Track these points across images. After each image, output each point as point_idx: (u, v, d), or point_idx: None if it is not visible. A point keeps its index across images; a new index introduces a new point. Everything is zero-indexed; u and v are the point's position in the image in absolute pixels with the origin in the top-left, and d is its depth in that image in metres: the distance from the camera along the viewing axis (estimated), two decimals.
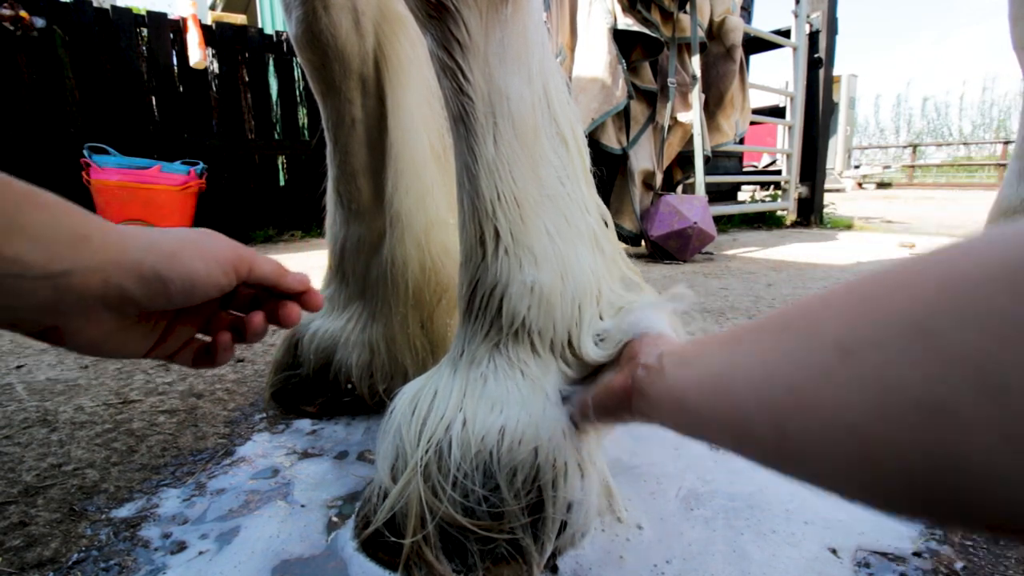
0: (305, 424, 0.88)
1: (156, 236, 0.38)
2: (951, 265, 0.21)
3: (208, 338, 0.47)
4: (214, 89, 3.84)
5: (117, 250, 0.35)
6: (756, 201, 5.14)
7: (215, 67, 3.84)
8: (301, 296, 0.46)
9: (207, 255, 0.39)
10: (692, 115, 2.90)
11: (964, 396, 0.19)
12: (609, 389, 0.48)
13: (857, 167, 15.88)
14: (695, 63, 2.87)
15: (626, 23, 2.64)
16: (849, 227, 4.18)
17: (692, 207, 2.71)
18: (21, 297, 0.31)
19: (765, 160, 7.16)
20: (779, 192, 4.55)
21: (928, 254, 0.24)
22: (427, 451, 0.53)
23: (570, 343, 0.56)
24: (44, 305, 0.33)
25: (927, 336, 0.20)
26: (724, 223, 4.16)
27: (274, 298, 0.46)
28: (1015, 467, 0.17)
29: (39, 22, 3.11)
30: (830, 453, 0.24)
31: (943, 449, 0.19)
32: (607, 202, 0.66)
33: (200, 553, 0.57)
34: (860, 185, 12.65)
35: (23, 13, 3.03)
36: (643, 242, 2.89)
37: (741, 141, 3.52)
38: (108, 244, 0.34)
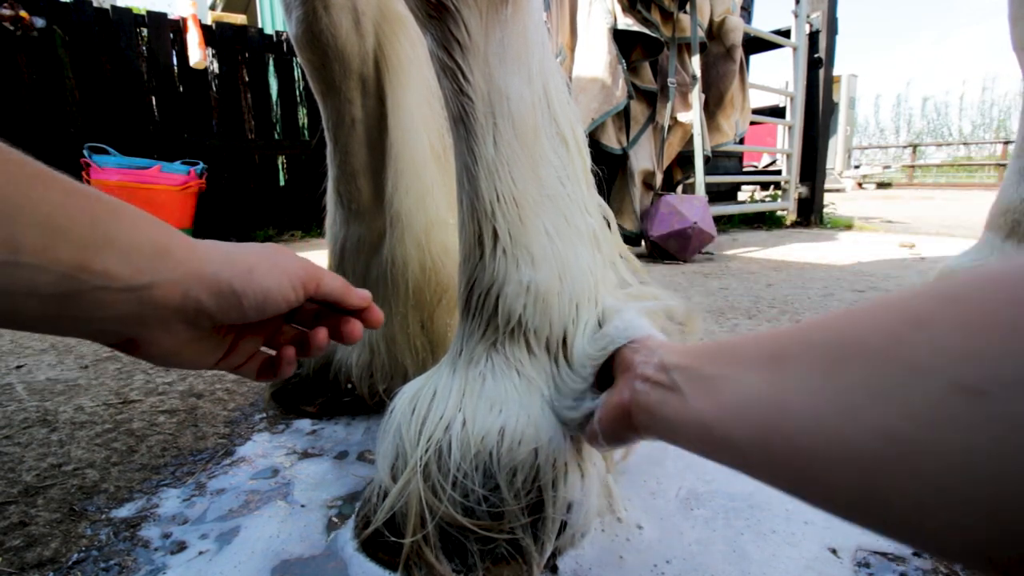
0: (305, 424, 0.88)
1: (232, 251, 0.39)
2: None
3: (272, 351, 0.47)
4: (214, 89, 3.84)
5: (197, 264, 0.36)
6: (756, 201, 5.14)
7: (215, 67, 3.84)
8: (362, 312, 0.47)
9: (280, 271, 0.40)
10: (692, 115, 2.90)
11: None
12: (610, 410, 0.45)
13: (857, 167, 15.88)
14: (695, 63, 2.87)
15: (626, 23, 2.64)
16: (849, 227, 4.18)
17: (692, 207, 2.71)
18: (105, 308, 0.32)
19: (765, 160, 7.16)
20: (779, 192, 4.55)
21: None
22: (427, 451, 0.53)
23: (566, 343, 0.56)
24: (126, 316, 0.33)
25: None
26: (724, 223, 4.16)
27: (336, 313, 0.46)
28: None
29: (39, 22, 3.11)
30: (942, 514, 0.19)
31: None
32: (607, 202, 0.65)
33: (200, 553, 0.57)
34: (860, 185, 12.65)
35: (23, 13, 3.03)
36: (643, 242, 2.89)
37: (741, 141, 3.52)
38: (188, 258, 0.35)
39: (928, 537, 0.21)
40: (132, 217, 0.33)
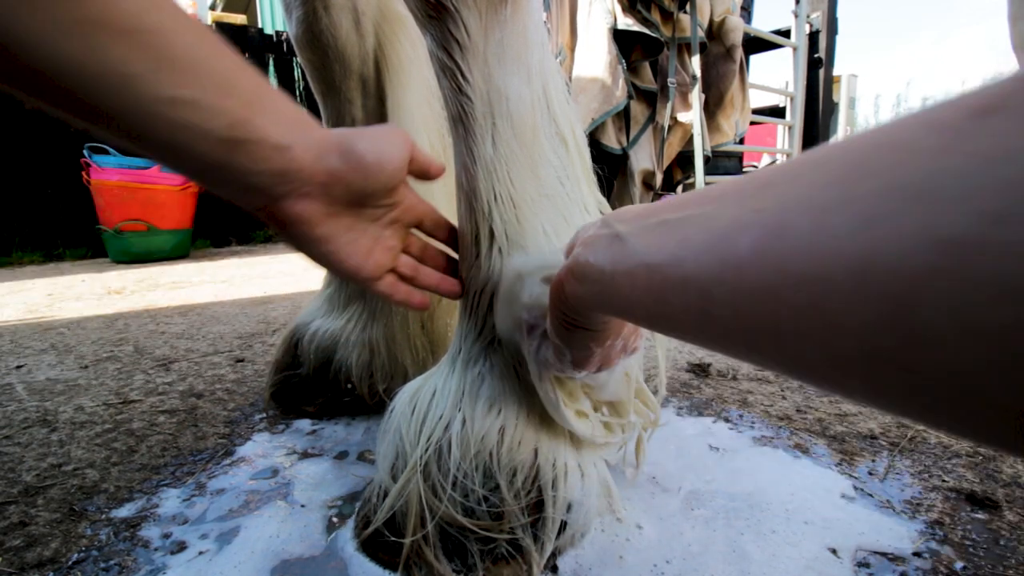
0: (305, 424, 0.88)
1: (348, 129, 0.45)
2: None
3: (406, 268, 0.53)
4: None
5: (325, 132, 0.42)
6: None
7: None
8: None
9: (387, 133, 0.47)
10: (692, 115, 2.90)
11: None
12: (549, 300, 0.41)
13: None
14: (695, 63, 2.87)
15: (626, 23, 2.64)
16: None
17: None
18: (259, 162, 0.38)
19: (765, 160, 7.16)
20: None
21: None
22: (427, 451, 0.53)
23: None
24: (275, 173, 0.39)
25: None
26: None
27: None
28: None
29: None
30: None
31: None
32: (608, 202, 0.66)
33: (200, 553, 0.57)
34: None
35: None
36: None
37: (741, 141, 3.52)
38: (319, 128, 0.42)
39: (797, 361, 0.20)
40: (278, 92, 0.40)
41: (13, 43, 0.29)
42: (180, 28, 0.34)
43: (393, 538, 0.53)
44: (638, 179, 2.81)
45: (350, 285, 0.90)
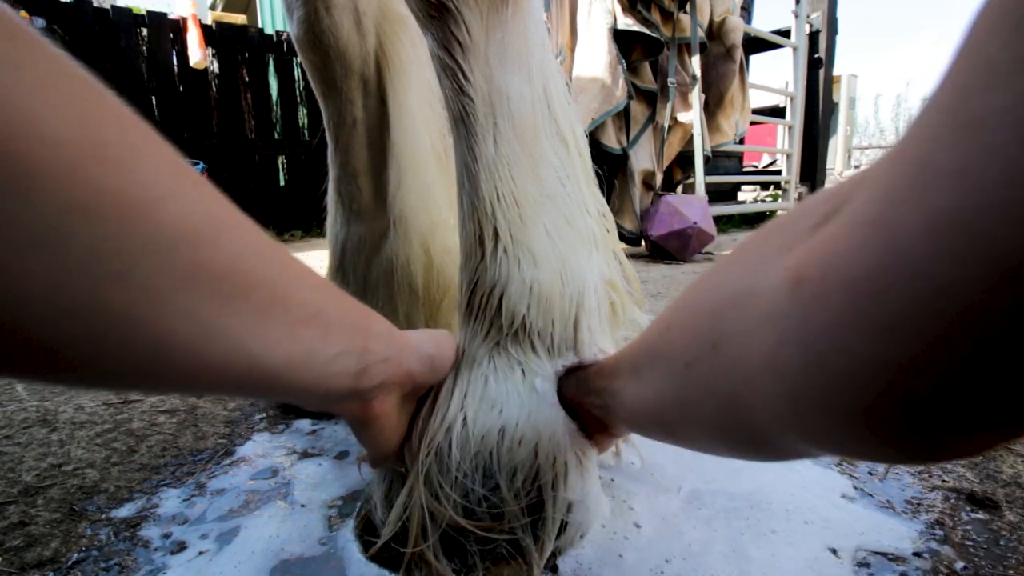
0: (305, 424, 0.88)
1: (415, 333, 0.52)
2: (719, 289, 0.32)
3: None
4: (214, 89, 3.84)
5: (404, 337, 0.48)
6: (756, 201, 5.15)
7: (215, 67, 3.84)
8: None
9: (442, 337, 0.54)
10: (692, 115, 2.90)
11: (741, 386, 0.28)
12: (590, 428, 0.56)
13: (857, 167, 15.86)
14: (695, 63, 2.87)
15: (626, 23, 2.64)
16: None
17: (692, 207, 2.71)
18: (372, 378, 0.43)
19: (765, 160, 7.16)
20: (779, 192, 4.55)
21: (715, 273, 0.34)
22: (428, 453, 0.53)
23: (567, 343, 0.56)
24: (379, 383, 0.44)
25: (717, 348, 0.30)
26: (724, 223, 4.16)
27: None
28: None
29: (39, 22, 3.11)
30: (716, 432, 0.32)
31: (748, 416, 0.28)
32: (608, 202, 0.66)
33: (200, 553, 0.57)
34: None
35: (23, 13, 3.03)
36: (643, 242, 2.89)
37: (741, 141, 3.52)
38: (400, 337, 0.47)
39: (728, 447, 0.32)
40: (367, 308, 0.45)
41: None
42: (328, 294, 0.40)
43: (394, 543, 0.53)
44: (638, 179, 2.81)
45: (351, 285, 0.90)
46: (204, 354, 0.29)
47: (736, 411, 0.28)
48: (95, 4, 3.43)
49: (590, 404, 0.51)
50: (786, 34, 4.21)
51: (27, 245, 0.22)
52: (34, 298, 0.22)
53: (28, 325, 0.23)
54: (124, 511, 0.65)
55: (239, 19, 4.31)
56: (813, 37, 4.21)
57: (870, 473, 0.69)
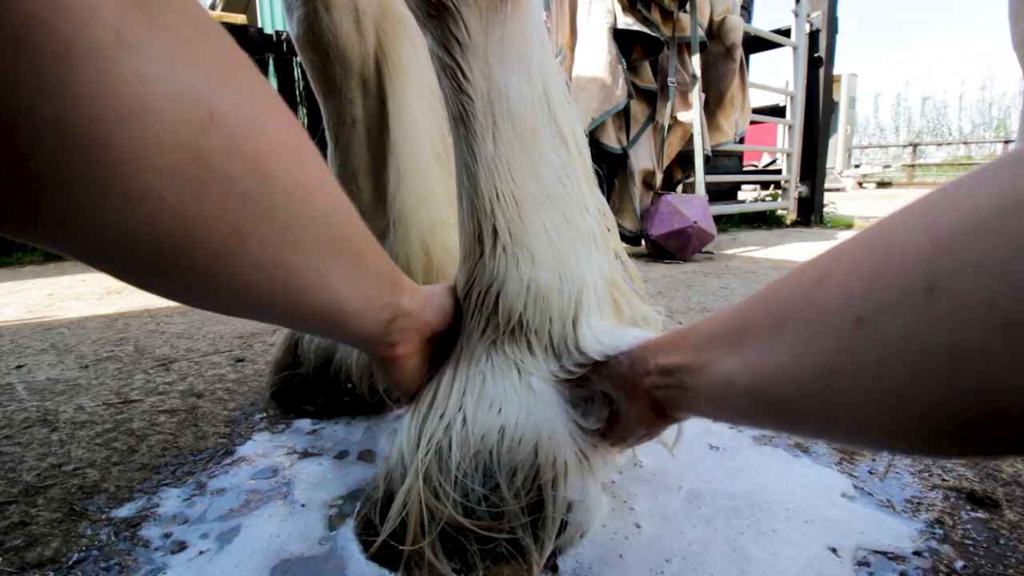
0: (305, 424, 0.88)
1: (428, 288, 0.59)
2: (938, 223, 0.24)
3: None
4: None
5: (422, 292, 0.56)
6: (756, 200, 5.14)
7: None
8: None
9: (453, 293, 0.61)
10: (692, 114, 2.90)
11: (981, 336, 0.21)
12: (635, 415, 0.51)
13: (857, 166, 15.87)
14: (695, 62, 2.87)
15: (626, 22, 2.64)
16: (849, 226, 4.18)
17: (692, 206, 2.71)
18: (397, 329, 0.52)
19: (765, 159, 7.16)
20: (779, 191, 4.55)
21: (905, 213, 0.27)
22: (427, 452, 0.53)
23: (566, 342, 0.56)
24: (401, 330, 0.53)
25: (935, 293, 0.22)
26: (724, 222, 4.16)
27: None
28: None
29: None
30: (871, 415, 0.26)
31: (971, 384, 0.21)
32: (608, 201, 0.66)
33: (200, 553, 0.57)
34: (860, 184, 12.63)
35: None
36: (643, 241, 2.89)
37: (741, 140, 3.52)
38: (420, 292, 0.56)
39: (871, 435, 0.27)
40: (395, 266, 0.52)
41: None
42: (379, 251, 0.48)
43: (393, 541, 0.53)
44: (638, 178, 2.81)
45: None
46: (318, 293, 0.40)
47: (942, 379, 0.22)
48: None
49: (650, 386, 0.46)
50: (786, 33, 4.21)
51: (255, 218, 0.33)
52: (253, 252, 0.34)
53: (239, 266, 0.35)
54: (124, 511, 0.65)
55: (239, 19, 4.31)
56: (813, 36, 4.20)
57: (870, 472, 0.69)
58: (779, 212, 4.43)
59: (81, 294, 2.20)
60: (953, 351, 0.21)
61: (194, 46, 0.29)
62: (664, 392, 0.45)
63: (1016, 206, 0.21)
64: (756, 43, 4.16)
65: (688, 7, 2.83)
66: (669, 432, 0.58)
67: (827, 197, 4.66)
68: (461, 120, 0.54)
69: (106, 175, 0.26)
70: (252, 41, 3.93)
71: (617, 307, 0.62)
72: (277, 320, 0.43)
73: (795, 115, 4.20)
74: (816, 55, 4.20)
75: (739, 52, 3.17)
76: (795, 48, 4.13)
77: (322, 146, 0.90)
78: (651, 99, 2.90)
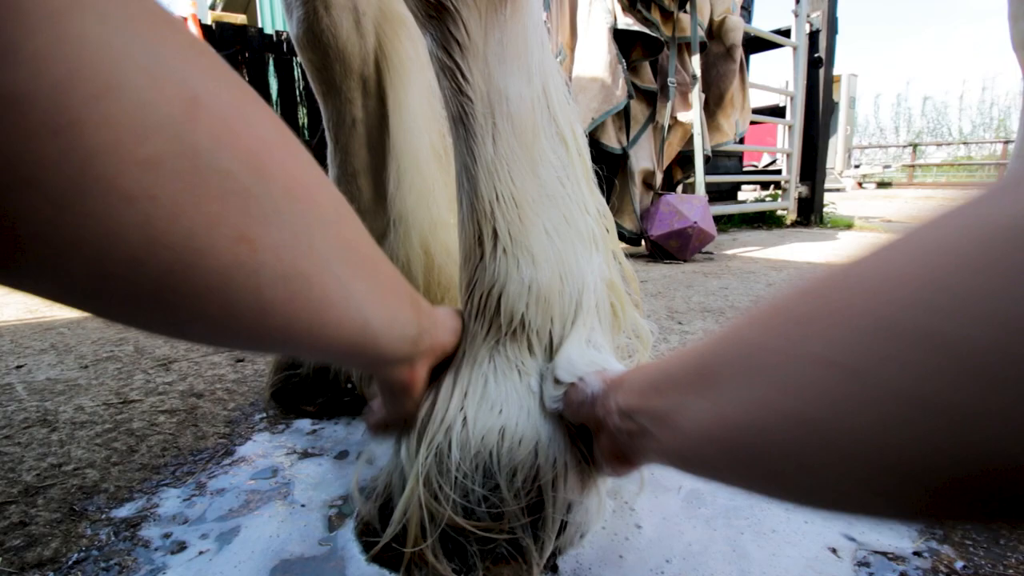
0: (305, 424, 0.88)
1: (440, 310, 0.55)
2: (927, 261, 0.21)
3: None
4: None
5: (436, 313, 0.53)
6: (756, 201, 5.14)
7: None
8: None
9: (459, 315, 0.58)
10: (692, 115, 2.90)
11: (974, 390, 0.18)
12: (606, 455, 0.48)
13: (857, 166, 15.87)
14: (695, 63, 2.87)
15: (626, 22, 2.64)
16: (849, 227, 4.18)
17: (692, 207, 2.71)
18: (419, 348, 0.49)
19: (765, 160, 7.16)
20: (779, 192, 4.55)
21: (890, 248, 0.23)
22: (427, 455, 0.53)
23: (567, 344, 0.56)
24: (420, 352, 0.50)
25: (925, 339, 0.19)
26: (724, 223, 4.16)
27: None
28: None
29: None
30: (856, 474, 0.23)
31: (967, 440, 0.19)
32: (607, 202, 0.66)
33: (200, 553, 0.57)
34: (860, 185, 12.64)
35: None
36: (643, 242, 2.89)
37: (741, 141, 3.52)
38: (434, 312, 0.52)
39: (859, 499, 0.24)
40: (419, 297, 0.49)
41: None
42: (393, 267, 0.43)
43: (394, 542, 0.53)
44: (638, 179, 2.81)
45: None
46: (343, 307, 0.35)
47: (936, 436, 0.19)
48: None
49: (613, 428, 0.42)
50: (786, 33, 4.21)
51: (261, 220, 0.29)
52: (268, 262, 0.30)
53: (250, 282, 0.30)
54: (124, 511, 0.65)
55: (239, 19, 4.31)
56: (813, 36, 4.20)
57: None
58: (779, 212, 4.43)
59: None
60: (948, 407, 0.19)
61: (163, 29, 0.25)
62: (627, 439, 0.40)
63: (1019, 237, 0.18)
64: (756, 43, 4.16)
65: (688, 7, 2.83)
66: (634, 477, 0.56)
67: (827, 197, 4.66)
68: (461, 121, 0.54)
69: (82, 164, 0.22)
70: (252, 41, 3.93)
71: (614, 312, 0.62)
72: (300, 346, 0.36)
73: (795, 115, 4.20)
74: (816, 55, 4.20)
75: (739, 52, 3.17)
76: (795, 48, 4.13)
77: (322, 146, 0.90)
78: (651, 99, 2.90)
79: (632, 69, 2.78)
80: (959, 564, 0.53)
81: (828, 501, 0.26)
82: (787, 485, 0.27)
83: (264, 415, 0.92)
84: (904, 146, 18.16)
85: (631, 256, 2.80)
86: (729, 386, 0.29)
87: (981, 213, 0.20)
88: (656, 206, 2.76)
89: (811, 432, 0.24)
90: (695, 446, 0.32)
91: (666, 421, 0.35)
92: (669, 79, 2.82)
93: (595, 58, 2.65)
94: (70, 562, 0.56)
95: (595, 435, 0.48)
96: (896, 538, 0.57)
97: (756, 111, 4.14)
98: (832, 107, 4.94)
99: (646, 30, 2.66)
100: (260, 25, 6.43)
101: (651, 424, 0.36)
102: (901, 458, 0.21)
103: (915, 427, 0.20)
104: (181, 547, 0.58)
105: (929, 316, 0.19)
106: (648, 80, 2.86)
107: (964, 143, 18.33)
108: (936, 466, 0.20)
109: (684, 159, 3.19)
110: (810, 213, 4.35)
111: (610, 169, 2.81)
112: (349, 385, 0.88)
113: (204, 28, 3.69)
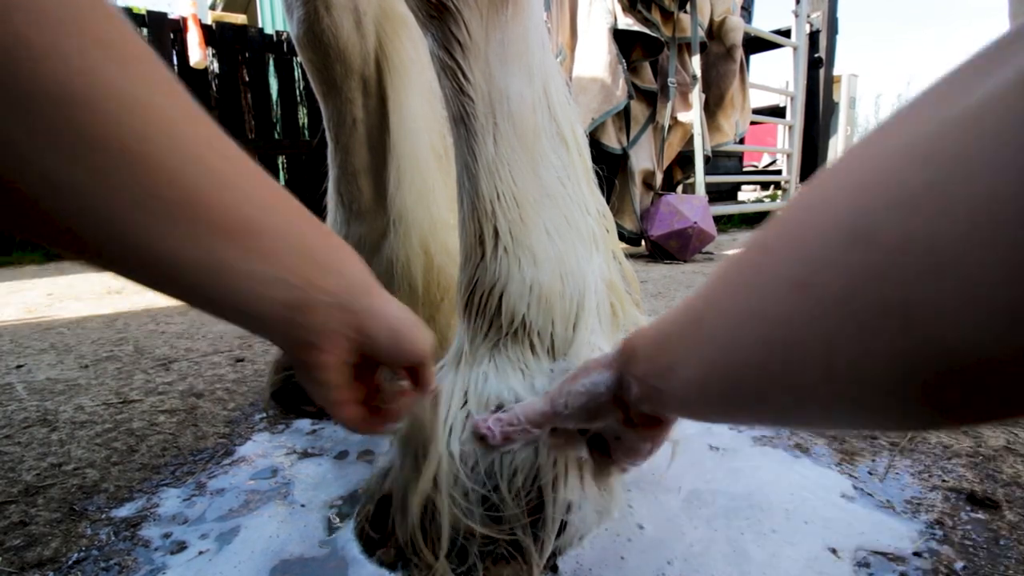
0: (305, 424, 0.88)
1: (397, 306, 0.45)
2: (866, 162, 0.22)
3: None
4: (214, 89, 3.84)
5: (376, 301, 0.42)
6: (756, 201, 5.15)
7: (215, 67, 3.84)
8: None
9: (417, 331, 0.46)
10: (692, 115, 2.90)
11: (923, 285, 0.18)
12: (636, 439, 0.48)
13: None
14: (695, 63, 2.87)
15: (626, 23, 2.64)
16: None
17: (692, 207, 2.71)
18: (318, 317, 0.38)
19: (765, 160, 7.16)
20: (779, 192, 4.55)
21: (843, 158, 0.25)
22: (428, 455, 0.53)
23: (568, 344, 0.56)
24: (324, 323, 0.39)
25: (865, 241, 0.20)
26: (724, 223, 4.16)
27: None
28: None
29: None
30: (834, 389, 0.23)
31: (921, 339, 0.19)
32: (608, 202, 0.66)
33: (200, 553, 0.57)
34: None
35: None
36: (643, 242, 2.89)
37: (741, 141, 3.52)
38: (375, 297, 0.42)
39: (851, 411, 0.24)
40: (348, 256, 0.41)
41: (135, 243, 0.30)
42: (286, 217, 0.36)
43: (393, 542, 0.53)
44: (638, 179, 2.81)
45: None
46: (124, 241, 0.30)
47: (890, 338, 0.19)
48: None
49: (635, 399, 0.42)
50: (786, 34, 4.21)
51: (69, 157, 0.26)
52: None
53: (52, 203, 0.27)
54: (124, 511, 0.65)
55: (239, 19, 4.31)
56: (813, 37, 4.21)
57: (870, 473, 0.69)
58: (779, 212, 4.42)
59: (81, 294, 2.20)
60: (894, 305, 0.19)
61: None
62: (650, 404, 0.42)
63: (958, 121, 0.17)
64: (756, 43, 4.16)
65: (688, 7, 2.83)
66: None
67: None
68: (462, 121, 0.54)
69: None
70: (252, 41, 3.93)
71: (613, 312, 0.62)
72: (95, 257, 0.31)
73: (795, 116, 4.20)
74: (816, 56, 4.20)
75: (739, 52, 3.17)
76: (795, 48, 4.13)
77: (322, 146, 0.90)
78: (651, 99, 2.90)
79: (632, 69, 2.78)
80: (959, 564, 0.53)
81: (827, 419, 0.27)
82: (777, 408, 0.28)
83: (264, 415, 0.92)
84: None
85: (631, 256, 2.80)
86: (711, 325, 0.31)
87: (911, 116, 0.22)
88: (656, 206, 2.76)
89: (789, 353, 0.25)
90: (700, 393, 0.34)
91: (669, 376, 0.37)
92: (669, 79, 2.82)
93: (595, 58, 2.66)
94: (70, 562, 0.56)
95: (620, 423, 0.47)
96: (896, 539, 0.57)
97: (756, 111, 4.14)
98: (832, 107, 4.94)
99: (646, 30, 2.66)
100: (260, 25, 6.43)
101: (659, 381, 0.38)
102: (867, 363, 0.21)
103: (872, 331, 0.20)
104: (181, 547, 0.58)
105: (860, 217, 0.21)
106: (648, 80, 2.87)
107: None
108: (898, 367, 0.20)
109: (684, 159, 3.19)
110: None
111: (610, 169, 2.81)
112: None
113: (204, 28, 3.69)
